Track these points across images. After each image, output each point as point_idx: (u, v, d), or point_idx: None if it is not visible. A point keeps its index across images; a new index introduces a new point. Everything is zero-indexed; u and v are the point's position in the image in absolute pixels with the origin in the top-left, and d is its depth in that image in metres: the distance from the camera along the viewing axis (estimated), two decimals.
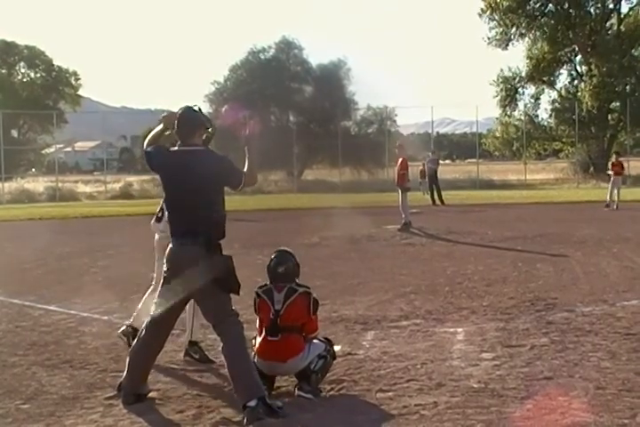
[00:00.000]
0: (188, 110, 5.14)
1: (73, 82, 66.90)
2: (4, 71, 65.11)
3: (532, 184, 43.83)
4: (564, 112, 48.95)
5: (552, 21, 48.86)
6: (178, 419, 4.74)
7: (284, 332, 5.11)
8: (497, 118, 53.43)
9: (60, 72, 66.55)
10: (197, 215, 4.87)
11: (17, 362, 6.23)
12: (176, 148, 5.08)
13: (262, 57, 50.61)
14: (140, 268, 10.10)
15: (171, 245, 5.02)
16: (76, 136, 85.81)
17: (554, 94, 51.82)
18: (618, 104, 47.69)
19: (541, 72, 50.33)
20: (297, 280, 5.37)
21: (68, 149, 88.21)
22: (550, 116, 51.30)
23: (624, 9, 50.31)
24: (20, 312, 8.51)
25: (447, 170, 44.52)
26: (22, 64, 66.61)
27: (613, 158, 25.31)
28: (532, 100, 52.08)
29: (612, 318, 7.28)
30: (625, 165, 28.67)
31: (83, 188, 43.52)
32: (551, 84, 51.99)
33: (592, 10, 49.54)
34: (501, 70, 52.00)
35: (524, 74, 51.20)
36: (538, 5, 49.51)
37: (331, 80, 48.37)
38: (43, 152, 64.50)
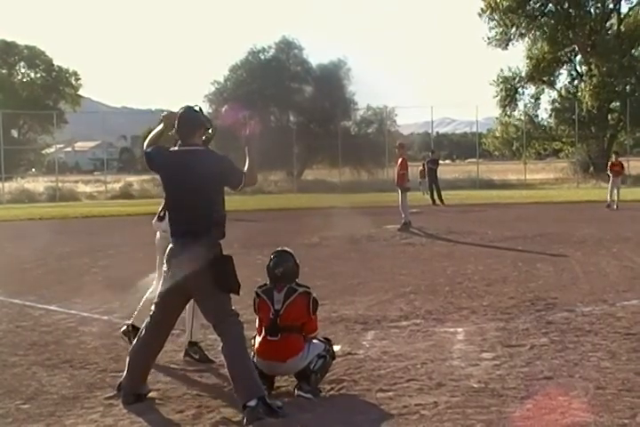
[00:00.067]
0: (189, 110, 5.14)
1: (73, 82, 66.93)
2: (4, 71, 65.14)
3: (532, 184, 43.84)
4: (563, 112, 48.95)
5: (552, 21, 48.86)
6: (178, 419, 4.74)
7: (284, 332, 5.11)
8: (497, 118, 53.43)
9: (61, 72, 66.58)
10: (197, 215, 4.87)
11: (17, 362, 6.23)
12: (176, 148, 5.08)
13: (262, 57, 50.62)
14: (140, 267, 10.08)
15: (171, 245, 5.02)
16: (76, 136, 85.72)
17: (554, 94, 51.90)
18: (618, 104, 47.70)
19: (541, 72, 50.34)
20: (297, 280, 5.37)
21: (68, 149, 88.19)
22: (550, 115, 51.34)
23: (624, 9, 50.38)
24: (21, 312, 8.51)
25: (447, 170, 44.52)
26: (22, 64, 66.64)
27: (613, 158, 25.30)
28: (532, 100, 52.16)
29: (612, 318, 7.28)
30: (625, 164, 28.67)
31: (83, 188, 43.54)
32: (551, 84, 52.00)
33: (592, 10, 49.54)
34: (501, 70, 52.10)
35: (523, 74, 51.21)
36: (538, 5, 49.52)
37: (331, 80, 48.38)
38: (43, 152, 64.52)
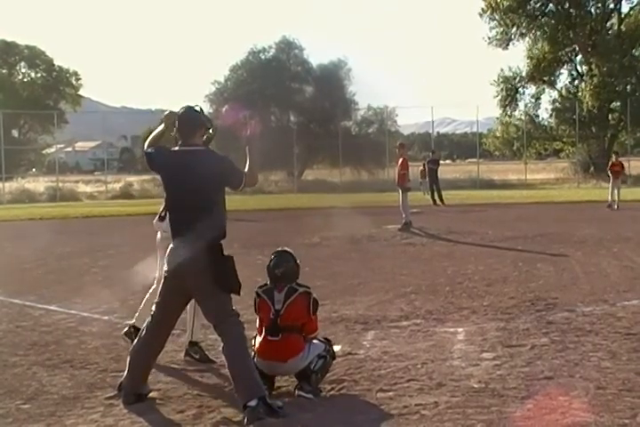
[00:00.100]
0: (189, 110, 5.14)
1: (73, 82, 66.98)
2: (4, 71, 65.18)
3: (533, 184, 43.86)
4: (564, 112, 48.97)
5: (552, 21, 48.87)
6: (178, 419, 4.74)
7: (285, 332, 5.11)
8: (497, 118, 53.44)
9: (61, 72, 66.63)
10: (198, 215, 4.86)
11: (17, 362, 6.23)
12: (177, 148, 5.08)
13: (263, 57, 50.64)
14: (140, 268, 10.09)
15: (171, 245, 5.02)
16: (76, 136, 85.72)
17: (554, 94, 51.94)
18: (618, 104, 47.72)
19: (542, 72, 50.33)
20: (297, 280, 5.37)
21: (69, 148, 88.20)
22: (551, 115, 51.38)
23: (624, 9, 50.46)
24: (21, 312, 8.51)
25: (448, 170, 44.52)
26: (23, 64, 66.69)
27: (613, 158, 25.31)
28: (533, 100, 52.20)
29: (613, 318, 7.28)
30: (625, 164, 28.69)
31: (83, 188, 43.55)
32: (552, 84, 52.01)
33: (592, 10, 49.57)
34: (502, 70, 52.12)
35: (524, 74, 51.22)
36: (538, 5, 49.53)
37: (331, 80, 48.42)
38: (43, 152, 64.58)
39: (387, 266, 11.65)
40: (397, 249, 14.00)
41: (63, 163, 67.43)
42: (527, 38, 50.93)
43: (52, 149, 62.83)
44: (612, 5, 49.43)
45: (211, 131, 5.22)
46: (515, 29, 50.10)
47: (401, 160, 17.98)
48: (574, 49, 50.33)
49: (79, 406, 5.03)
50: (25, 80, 66.71)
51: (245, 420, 4.54)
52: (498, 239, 14.87)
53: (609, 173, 24.63)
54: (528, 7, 49.10)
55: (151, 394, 5.14)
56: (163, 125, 5.33)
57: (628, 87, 47.38)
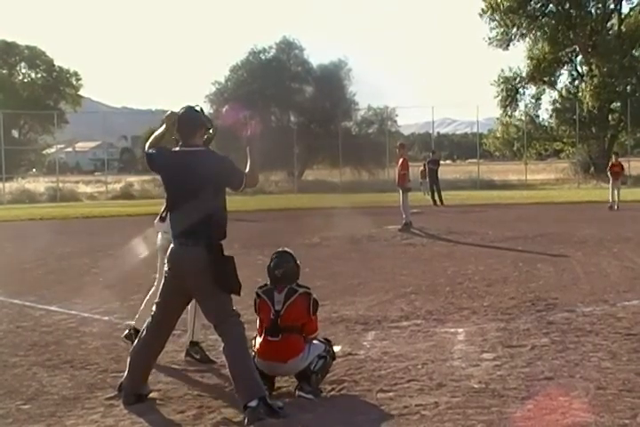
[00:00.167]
0: (190, 110, 5.14)
1: (74, 82, 67.00)
2: (4, 71, 65.21)
3: (533, 184, 43.87)
4: (564, 112, 49.00)
5: (553, 22, 48.89)
6: (179, 419, 4.74)
7: (285, 332, 5.11)
8: (497, 118, 53.47)
9: (61, 72, 66.66)
10: (198, 216, 4.86)
11: (18, 362, 6.23)
12: (177, 148, 5.08)
13: (263, 57, 50.65)
14: (140, 268, 10.10)
15: (172, 246, 5.02)
16: (76, 136, 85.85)
17: (554, 94, 51.95)
18: (618, 104, 47.73)
19: (542, 72, 50.35)
20: (297, 281, 5.37)
21: (69, 149, 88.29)
22: (551, 116, 51.40)
23: (625, 9, 50.42)
24: (21, 313, 8.51)
25: (448, 170, 44.51)
26: (23, 64, 66.72)
27: (613, 159, 25.32)
28: (533, 101, 52.22)
29: (613, 319, 7.28)
30: (625, 165, 28.69)
31: (83, 188, 43.58)
32: (552, 85, 52.02)
33: (593, 10, 49.57)
34: (502, 70, 52.14)
35: (524, 74, 51.24)
36: (538, 6, 49.55)
37: (331, 80, 48.44)
38: (43, 152, 64.60)
39: (387, 266, 11.65)
40: (398, 249, 14.00)
41: (63, 163, 67.50)
42: (527, 39, 51.00)
43: (53, 150, 62.88)
44: (612, 6, 49.44)
45: (211, 131, 5.22)
46: (515, 30, 50.12)
47: (401, 160, 17.98)
48: (574, 49, 50.34)
49: (79, 406, 5.03)
50: (25, 80, 66.74)
51: (246, 420, 4.54)
52: (498, 240, 14.87)
53: (609, 173, 24.63)
54: (528, 8, 49.12)
55: (151, 394, 5.14)
56: (164, 126, 5.33)
57: (629, 88, 47.40)
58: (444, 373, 5.53)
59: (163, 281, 5.09)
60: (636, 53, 49.00)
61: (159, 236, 6.17)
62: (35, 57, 66.27)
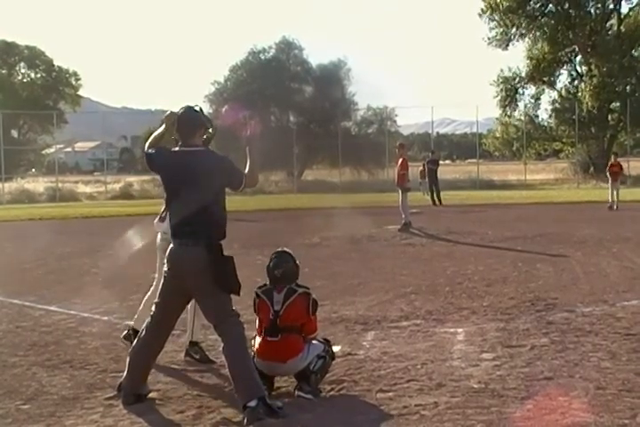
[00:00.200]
0: (189, 110, 5.14)
1: (73, 82, 66.98)
2: (4, 71, 65.19)
3: (532, 184, 43.87)
4: (564, 112, 49.00)
5: (552, 22, 48.90)
6: (178, 419, 4.74)
7: (284, 332, 5.11)
8: (497, 118, 53.48)
9: (61, 72, 66.63)
10: (198, 216, 4.86)
11: (17, 362, 6.23)
12: (177, 148, 5.08)
13: (262, 57, 50.70)
14: (140, 268, 10.10)
15: (171, 246, 5.01)
16: (76, 136, 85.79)
17: (554, 94, 51.97)
18: (618, 104, 47.76)
19: (541, 72, 50.37)
20: (297, 281, 5.37)
21: (68, 149, 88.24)
22: (550, 116, 51.42)
23: (624, 9, 50.51)
24: (21, 313, 8.51)
25: (447, 170, 44.54)
26: (22, 64, 66.70)
27: (612, 159, 25.35)
28: (533, 101, 52.23)
29: (612, 319, 7.28)
30: (625, 165, 28.70)
31: (83, 188, 43.60)
32: (551, 85, 52.03)
33: (592, 10, 49.59)
34: (501, 70, 52.15)
35: (524, 74, 51.25)
36: (538, 6, 49.56)
37: (331, 80, 48.48)
38: (43, 152, 64.57)
39: (387, 266, 11.65)
40: (397, 249, 14.00)
41: (63, 163, 67.45)
42: (527, 39, 51.02)
43: (52, 150, 62.86)
44: (611, 6, 49.46)
45: (210, 131, 5.22)
46: (514, 30, 50.14)
47: (401, 160, 17.97)
48: (574, 49, 50.35)
49: (79, 406, 5.03)
50: (25, 80, 66.72)
51: (245, 420, 4.54)
52: (497, 240, 14.87)
53: (607, 173, 24.66)
54: (528, 8, 49.14)
55: (151, 394, 5.14)
56: (163, 126, 5.32)
57: (628, 88, 47.44)
58: (444, 373, 5.53)
59: (162, 281, 5.09)
60: (636, 53, 49.04)
61: (159, 236, 6.17)
62: (34, 57, 66.25)
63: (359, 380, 5.41)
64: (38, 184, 43.36)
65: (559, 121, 49.93)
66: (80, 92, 68.53)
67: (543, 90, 52.09)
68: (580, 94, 47.82)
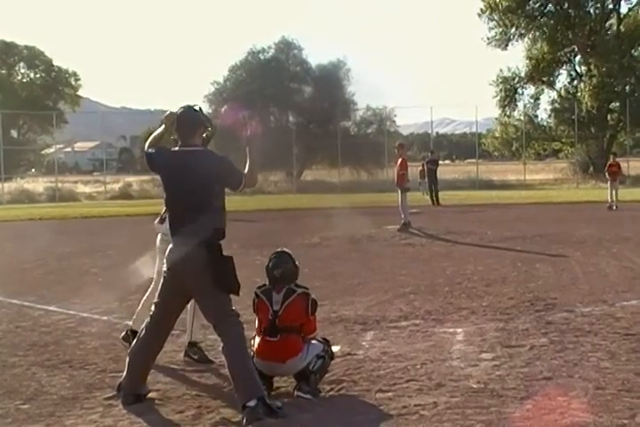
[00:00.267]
0: (189, 110, 5.13)
1: (72, 82, 66.96)
2: (3, 71, 65.17)
3: (532, 184, 43.88)
4: (563, 112, 49.03)
5: (551, 21, 48.92)
6: (177, 419, 4.74)
7: (283, 332, 5.11)
8: (496, 118, 53.51)
9: (60, 72, 66.61)
10: (197, 216, 4.86)
11: (17, 362, 6.22)
12: (176, 148, 5.08)
13: (262, 57, 50.72)
14: (139, 268, 10.09)
15: (171, 245, 5.01)
16: (75, 136, 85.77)
17: (553, 94, 51.99)
18: (617, 104, 47.79)
19: (541, 72, 50.38)
20: (296, 281, 5.37)
21: (68, 149, 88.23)
22: (550, 116, 51.45)
23: (623, 9, 50.44)
24: (20, 312, 8.50)
25: (447, 170, 44.56)
26: (22, 64, 66.68)
27: (611, 159, 25.38)
28: (532, 101, 52.26)
29: (612, 319, 7.28)
30: (624, 165, 28.73)
31: (82, 188, 43.64)
32: (551, 85, 52.04)
33: (591, 10, 49.62)
34: (501, 70, 52.19)
35: (523, 74, 51.27)
36: (537, 5, 49.60)
37: (330, 80, 48.45)
38: (42, 152, 64.55)
39: (386, 266, 11.66)
40: (397, 249, 14.00)
41: (62, 163, 67.44)
42: (526, 39, 51.06)
43: (52, 150, 62.86)
44: (610, 6, 49.50)
45: (210, 130, 5.22)
46: (514, 30, 50.16)
47: (400, 160, 17.97)
48: (573, 49, 50.37)
49: (78, 406, 5.03)
50: (24, 80, 66.69)
51: (244, 420, 4.54)
52: (497, 240, 14.87)
53: (606, 173, 24.68)
54: (527, 7, 49.17)
55: (150, 394, 5.14)
56: (163, 126, 5.32)
57: (627, 88, 47.46)
58: (443, 373, 5.53)
59: (162, 281, 5.09)
60: (635, 53, 49.07)
61: (158, 237, 6.17)
62: (33, 57, 66.22)
63: (358, 380, 5.42)
64: (38, 184, 43.40)
65: (558, 121, 49.95)
66: (79, 93, 68.59)
67: (542, 90, 52.14)
68: (579, 94, 47.85)
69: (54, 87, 65.40)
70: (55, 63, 67.03)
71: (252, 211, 24.31)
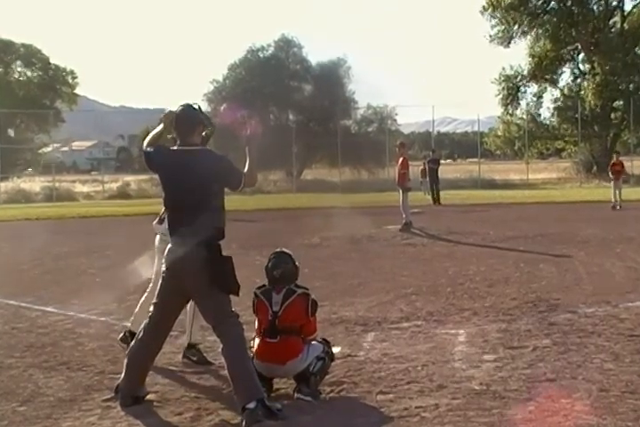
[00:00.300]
0: (188, 108, 5.13)
1: (70, 80, 66.89)
2: (0, 70, 65.12)
3: (535, 184, 43.85)
4: (566, 111, 48.98)
5: (554, 19, 48.88)
6: (176, 421, 4.74)
7: (283, 334, 5.11)
8: (499, 117, 53.47)
9: (57, 71, 66.52)
10: (197, 215, 4.86)
11: (14, 364, 6.23)
12: (175, 147, 5.08)
13: (261, 55, 50.70)
14: (138, 269, 10.08)
15: (169, 245, 5.01)
16: (73, 135, 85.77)
17: (556, 93, 51.92)
18: (621, 103, 47.74)
19: (544, 70, 50.34)
20: (296, 281, 5.37)
21: (65, 148, 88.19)
22: (553, 114, 51.40)
23: (627, 6, 50.61)
24: (17, 314, 8.50)
25: (448, 169, 44.53)
26: (19, 63, 66.59)
27: (614, 158, 25.37)
28: (535, 99, 52.18)
29: (616, 320, 7.27)
30: (628, 164, 28.72)
31: (80, 187, 43.64)
32: (554, 83, 51.99)
33: (595, 7, 49.60)
34: (503, 68, 52.12)
35: (526, 72, 51.22)
36: (540, 3, 49.57)
37: (330, 78, 48.42)
38: (39, 151, 64.45)
39: (387, 267, 11.66)
40: (398, 249, 14.00)
41: (60, 162, 67.46)
42: (529, 36, 51.00)
43: (49, 149, 62.83)
44: (614, 3, 49.50)
45: (209, 129, 5.22)
46: (516, 27, 50.14)
47: (401, 159, 17.97)
48: (576, 47, 50.36)
49: (76, 408, 5.03)
50: (21, 79, 66.59)
51: (244, 422, 4.53)
52: (499, 240, 14.87)
53: (610, 172, 24.66)
54: (530, 5, 49.15)
55: (148, 396, 5.14)
56: (162, 125, 5.32)
57: (631, 86, 47.39)
58: (445, 374, 5.53)
59: (160, 281, 5.09)
60: (639, 51, 48.98)
61: (157, 237, 6.17)
62: (30, 55, 66.12)
63: (359, 382, 5.42)
64: (35, 183, 43.37)
65: (561, 119, 49.92)
66: (77, 91, 68.45)
67: (545, 88, 52.09)
68: (582, 92, 47.85)
69: (51, 86, 65.30)
70: (52, 61, 67.01)
71: (251, 210, 24.30)
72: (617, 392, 4.98)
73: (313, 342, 5.26)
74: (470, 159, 66.00)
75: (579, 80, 50.76)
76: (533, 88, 52.13)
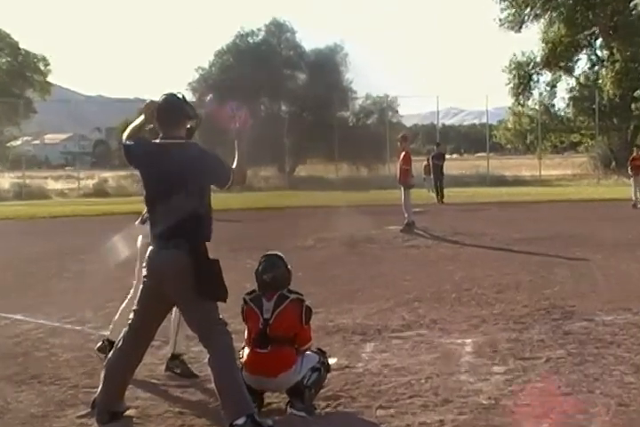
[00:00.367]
0: (171, 98, 5.13)
1: (42, 68, 66.74)
2: None
3: (548, 180, 43.88)
4: (582, 101, 48.99)
5: (570, 1, 48.87)
6: None
7: (275, 343, 5.11)
8: (509, 108, 53.45)
9: (28, 57, 66.34)
10: (180, 215, 4.85)
11: None
12: (158, 140, 5.07)
13: (251, 40, 50.69)
14: (117, 273, 10.09)
15: (151, 248, 5.00)
16: (45, 127, 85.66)
17: (572, 82, 51.92)
18: None
19: (558, 57, 50.33)
20: (289, 287, 5.37)
21: (37, 141, 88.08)
22: (568, 105, 51.38)
23: None
24: None
25: (454, 165, 44.65)
26: None
27: (634, 152, 25.34)
28: (548, 88, 52.14)
29: (636, 328, 7.30)
30: None
31: (53, 184, 43.61)
32: (569, 71, 52.01)
33: None
34: (514, 55, 52.02)
35: (538, 59, 51.20)
36: None
37: (326, 66, 48.41)
38: (8, 145, 64.32)
39: (387, 271, 11.68)
40: (399, 252, 14.03)
41: (32, 156, 67.31)
42: (542, 20, 50.93)
43: (19, 142, 62.71)
44: None
45: (194, 121, 5.22)
46: (528, 10, 50.15)
47: (403, 154, 17.96)
48: (594, 32, 50.35)
49: (47, 425, 5.03)
50: None
51: None
52: (509, 241, 14.89)
53: (629, 168, 24.66)
54: None
55: (128, 412, 5.13)
56: (142, 116, 5.31)
57: None
58: (450, 388, 5.54)
59: (141, 287, 5.09)
60: None
61: (139, 239, 6.17)
62: None
63: (357, 395, 5.42)
64: (3, 180, 43.26)
65: (577, 111, 49.93)
66: (49, 79, 68.32)
67: (560, 76, 52.08)
68: (600, 81, 47.89)
69: (21, 73, 65.12)
70: (22, 46, 66.86)
71: (240, 210, 24.30)
72: (637, 407, 5.01)
73: (307, 353, 5.26)
74: (478, 154, 66.20)
75: (596, 68, 50.80)
76: (547, 76, 52.18)
